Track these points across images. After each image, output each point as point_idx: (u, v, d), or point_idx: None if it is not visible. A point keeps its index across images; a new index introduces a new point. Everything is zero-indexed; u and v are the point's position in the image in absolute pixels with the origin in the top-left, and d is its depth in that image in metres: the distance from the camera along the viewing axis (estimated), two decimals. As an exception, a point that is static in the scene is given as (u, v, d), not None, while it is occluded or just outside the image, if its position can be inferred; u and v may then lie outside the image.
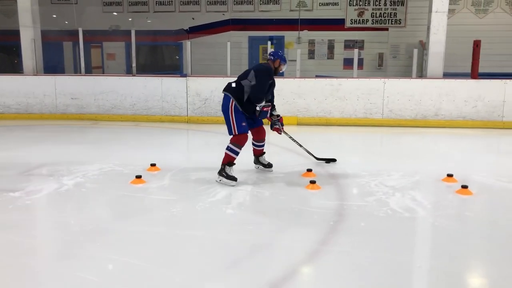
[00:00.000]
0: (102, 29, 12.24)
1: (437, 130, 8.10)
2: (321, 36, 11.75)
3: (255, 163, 5.20)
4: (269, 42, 9.18)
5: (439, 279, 2.77)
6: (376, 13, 11.37)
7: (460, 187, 4.37)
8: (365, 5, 11.39)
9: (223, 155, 4.64)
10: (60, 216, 3.84)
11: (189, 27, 12.09)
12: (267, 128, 5.08)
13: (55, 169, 5.17)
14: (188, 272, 2.81)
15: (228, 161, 4.61)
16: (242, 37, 11.91)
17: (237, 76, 4.82)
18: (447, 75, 8.68)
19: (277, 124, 5.08)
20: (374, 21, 11.41)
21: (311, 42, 11.81)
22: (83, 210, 3.96)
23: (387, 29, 11.43)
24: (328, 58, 11.83)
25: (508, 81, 8.24)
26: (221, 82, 5.50)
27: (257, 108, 4.71)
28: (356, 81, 8.58)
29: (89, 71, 10.85)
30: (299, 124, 8.58)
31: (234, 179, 4.57)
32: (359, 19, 11.45)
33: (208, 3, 12.03)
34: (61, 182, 4.66)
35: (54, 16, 12.46)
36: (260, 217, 3.80)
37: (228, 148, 4.62)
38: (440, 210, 3.95)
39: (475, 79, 8.31)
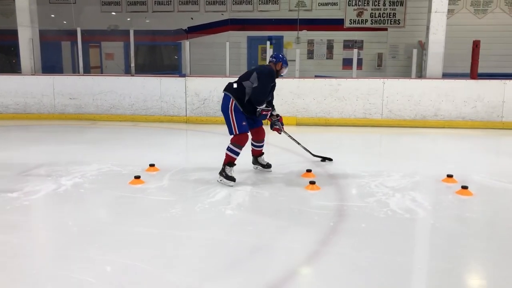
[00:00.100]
0: (100, 29, 12.21)
1: (437, 131, 8.09)
2: (320, 36, 11.74)
3: (253, 163, 5.18)
4: (268, 42, 9.16)
5: (439, 280, 2.76)
6: (375, 13, 11.36)
7: (460, 188, 4.35)
8: (364, 5, 11.39)
9: (222, 155, 4.63)
10: (58, 217, 3.81)
11: (188, 27, 12.07)
12: (266, 128, 5.07)
13: (53, 169, 5.14)
14: (187, 273, 2.79)
15: (229, 162, 4.60)
16: (241, 37, 11.89)
17: (237, 76, 4.80)
18: (446, 75, 8.68)
19: (277, 124, 5.08)
20: (373, 21, 11.40)
21: (310, 42, 11.79)
22: (81, 211, 3.94)
23: (386, 29, 11.42)
24: (327, 58, 11.83)
25: (507, 81, 8.23)
26: (220, 82, 5.49)
27: (258, 110, 4.71)
28: (356, 81, 8.57)
29: (87, 71, 10.82)
30: (298, 124, 8.56)
31: (232, 179, 4.55)
32: (358, 19, 11.44)
33: (207, 3, 12.01)
34: (59, 182, 4.63)
35: (52, 15, 12.44)
36: (259, 217, 3.78)
37: (228, 149, 4.61)
38: (440, 211, 3.93)
39: (475, 80, 8.30)
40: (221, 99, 4.72)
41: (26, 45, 9.61)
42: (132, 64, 9.24)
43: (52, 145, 6.81)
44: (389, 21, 11.35)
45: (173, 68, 12.50)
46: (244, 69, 10.99)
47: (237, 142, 4.59)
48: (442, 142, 7.34)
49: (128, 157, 5.84)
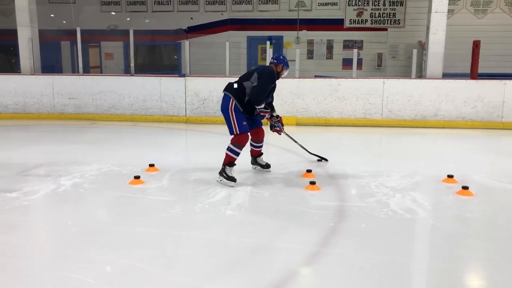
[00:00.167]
0: (100, 29, 12.20)
1: (437, 131, 8.09)
2: (320, 36, 11.73)
3: (252, 163, 5.18)
4: (268, 42, 9.15)
5: (439, 280, 2.75)
6: (375, 13, 11.36)
7: (460, 188, 4.35)
8: (364, 5, 11.38)
9: (222, 155, 4.62)
10: (57, 217, 3.81)
11: (188, 27, 12.06)
12: (266, 129, 5.06)
13: (52, 169, 5.13)
14: (187, 274, 2.78)
15: (229, 162, 4.59)
16: (240, 37, 11.89)
17: (236, 76, 4.80)
18: (446, 75, 8.67)
19: (277, 125, 5.07)
20: (373, 21, 11.40)
21: (310, 42, 11.79)
22: (80, 211, 3.93)
23: (386, 29, 11.42)
24: (327, 58, 11.82)
25: (507, 81, 8.23)
26: (220, 82, 5.48)
27: (256, 109, 4.71)
28: (355, 81, 8.56)
29: (87, 71, 10.80)
30: (298, 124, 8.55)
31: (233, 180, 4.54)
32: (358, 19, 11.44)
33: (207, 3, 12.01)
34: (58, 182, 4.62)
35: (52, 15, 12.42)
36: (259, 218, 3.77)
37: (228, 149, 4.60)
38: (441, 211, 3.93)
39: (475, 80, 8.29)
40: (221, 99, 4.71)
41: (25, 44, 9.60)
42: (132, 64, 9.23)
43: (51, 145, 6.80)
44: (389, 21, 11.35)
45: (173, 68, 12.50)
46: (244, 69, 11.00)
47: (238, 142, 4.58)
48: (442, 142, 7.34)
49: (127, 157, 5.83)
